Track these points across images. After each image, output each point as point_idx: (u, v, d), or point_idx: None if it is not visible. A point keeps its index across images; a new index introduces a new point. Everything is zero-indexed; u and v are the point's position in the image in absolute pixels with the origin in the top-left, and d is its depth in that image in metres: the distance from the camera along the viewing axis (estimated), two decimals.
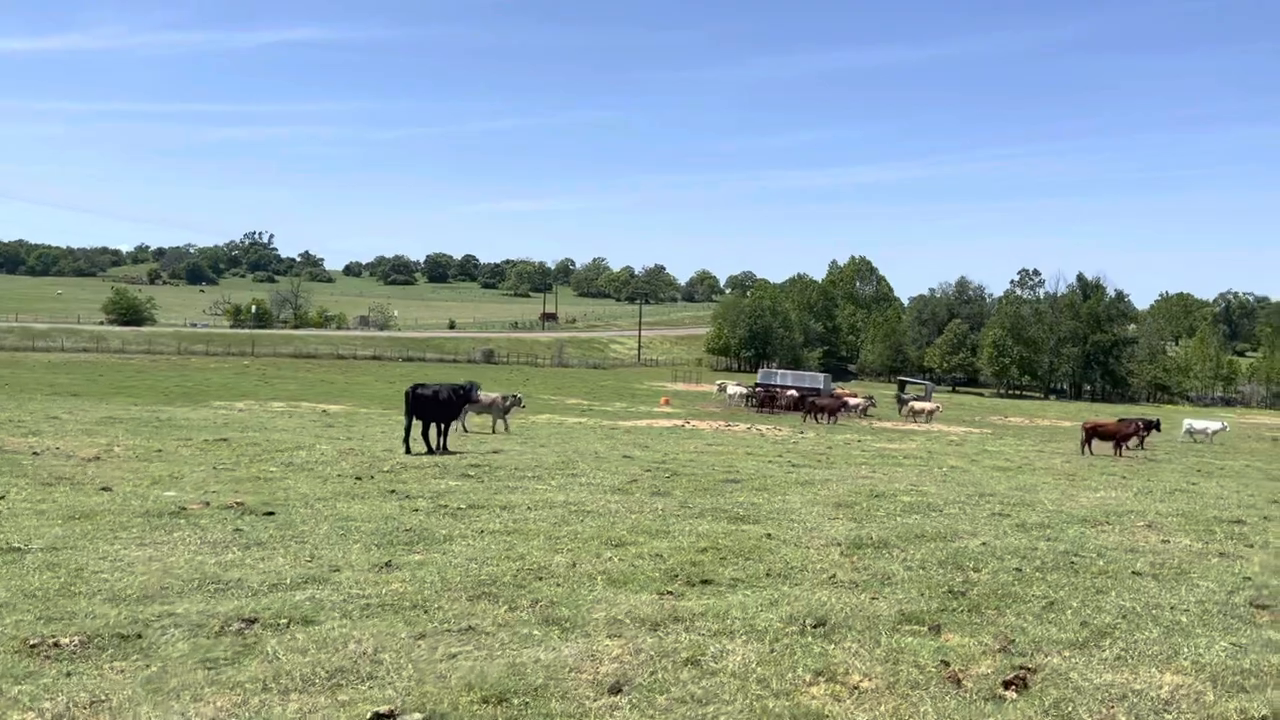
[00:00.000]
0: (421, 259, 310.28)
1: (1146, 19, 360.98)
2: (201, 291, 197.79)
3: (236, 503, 10.21)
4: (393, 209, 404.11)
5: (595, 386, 70.15)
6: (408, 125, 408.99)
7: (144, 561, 7.42)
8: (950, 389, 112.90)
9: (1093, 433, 30.81)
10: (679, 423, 39.89)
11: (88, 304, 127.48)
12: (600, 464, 16.89)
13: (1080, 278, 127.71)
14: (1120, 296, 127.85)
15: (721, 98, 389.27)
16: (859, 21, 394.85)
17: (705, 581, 7.34)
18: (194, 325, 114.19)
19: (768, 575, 7.74)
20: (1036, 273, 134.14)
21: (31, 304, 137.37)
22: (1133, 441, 34.48)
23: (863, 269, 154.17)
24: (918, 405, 54.34)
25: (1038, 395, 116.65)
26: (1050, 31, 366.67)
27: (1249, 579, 8.57)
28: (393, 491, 11.85)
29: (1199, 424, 42.16)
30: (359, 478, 13.30)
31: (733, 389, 60.58)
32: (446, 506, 10.75)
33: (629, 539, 9.16)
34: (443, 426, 17.98)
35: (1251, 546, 11.09)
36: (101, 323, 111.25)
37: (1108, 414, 63.66)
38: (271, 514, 9.71)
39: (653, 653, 5.45)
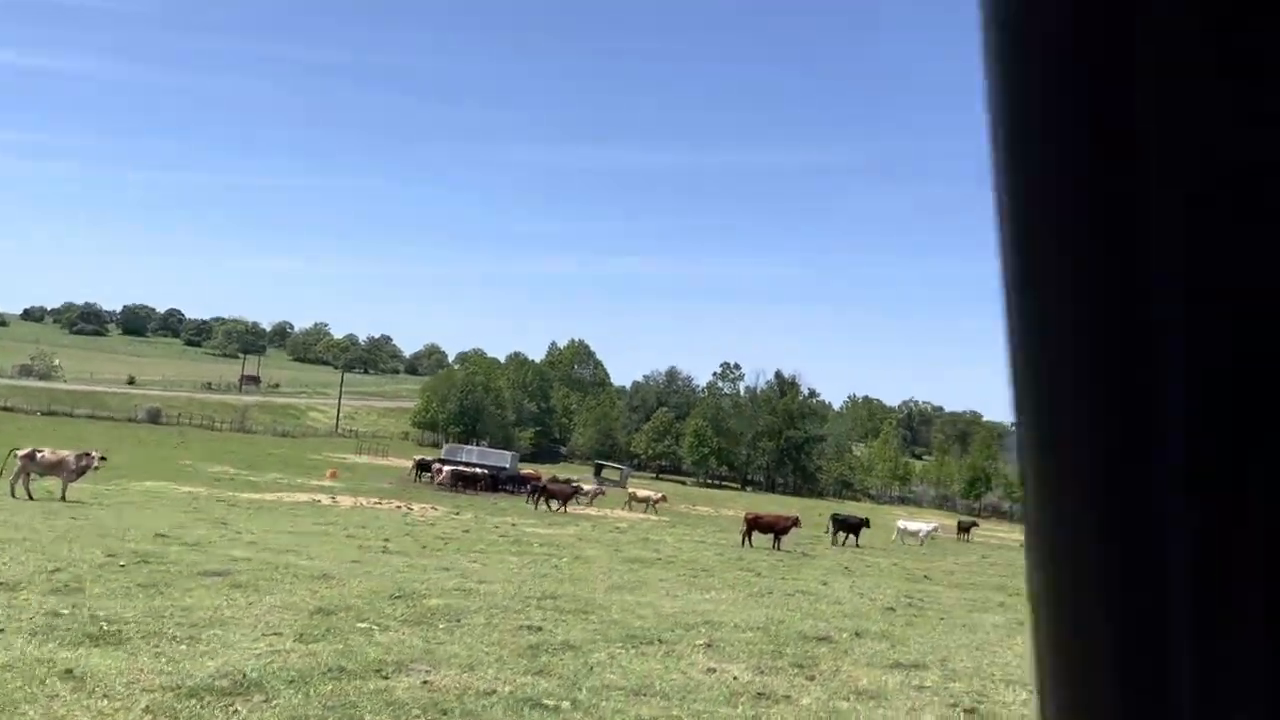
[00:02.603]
0: (118, 309, 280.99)
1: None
2: None
3: None
4: (91, 255, 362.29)
5: (261, 455, 62.88)
6: (111, 164, 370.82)
7: None
8: (653, 476, 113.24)
9: (753, 525, 30.58)
10: (321, 498, 35.00)
11: None
12: (55, 546, 12.42)
13: (778, 374, 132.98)
14: (813, 395, 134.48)
15: (488, 177, 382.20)
16: (596, 122, 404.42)
17: None
18: None
19: None
20: (738, 366, 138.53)
21: None
22: (854, 535, 34.32)
23: (581, 353, 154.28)
24: (640, 493, 52.58)
25: (735, 486, 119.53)
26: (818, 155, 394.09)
27: None
28: None
29: (911, 525, 42.58)
30: None
31: (446, 469, 56.22)
32: None
33: None
34: None
35: (812, 679, 8.58)
36: None
37: (796, 507, 64.65)
38: None
39: None
